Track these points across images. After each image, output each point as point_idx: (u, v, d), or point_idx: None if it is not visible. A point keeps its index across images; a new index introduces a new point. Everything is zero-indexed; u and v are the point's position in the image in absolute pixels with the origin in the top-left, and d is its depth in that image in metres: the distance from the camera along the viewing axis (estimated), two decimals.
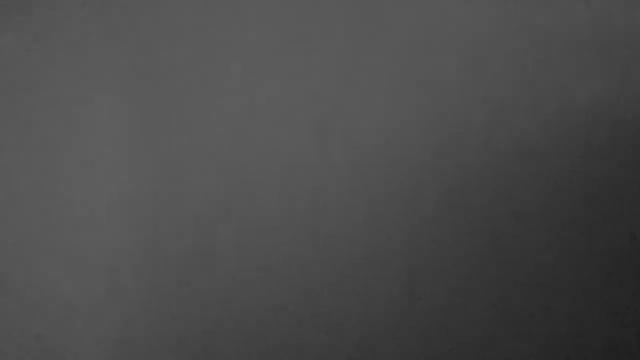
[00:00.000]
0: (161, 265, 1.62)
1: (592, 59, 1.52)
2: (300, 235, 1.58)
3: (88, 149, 1.66)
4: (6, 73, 1.70)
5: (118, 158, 1.65)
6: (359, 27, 1.59)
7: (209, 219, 1.61)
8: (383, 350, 1.55)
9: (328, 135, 1.59)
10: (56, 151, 1.67)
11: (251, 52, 1.62)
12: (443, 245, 1.54)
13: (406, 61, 1.58)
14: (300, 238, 1.58)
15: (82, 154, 1.66)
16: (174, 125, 1.63)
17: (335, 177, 1.58)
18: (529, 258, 1.52)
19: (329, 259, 1.58)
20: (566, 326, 1.50)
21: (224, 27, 1.63)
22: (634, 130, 1.50)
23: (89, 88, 1.67)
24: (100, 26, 1.67)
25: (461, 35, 1.56)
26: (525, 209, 1.52)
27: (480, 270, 1.53)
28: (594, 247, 1.50)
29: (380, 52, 1.58)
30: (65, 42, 1.68)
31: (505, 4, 1.55)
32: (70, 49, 1.68)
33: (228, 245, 1.60)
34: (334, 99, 1.59)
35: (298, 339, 1.58)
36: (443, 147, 1.55)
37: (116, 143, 1.65)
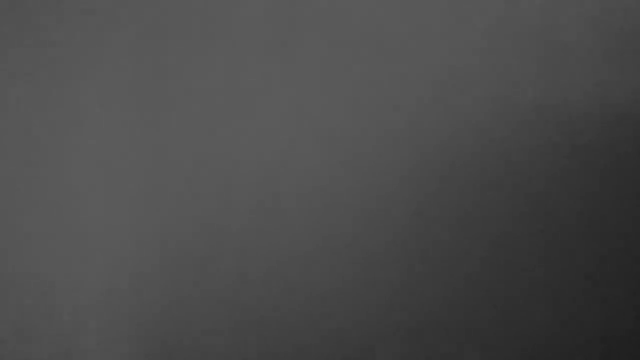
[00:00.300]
0: (162, 266, 1.63)
1: (592, 57, 1.52)
2: (300, 234, 1.59)
3: (90, 150, 1.66)
4: (7, 73, 1.70)
5: (120, 158, 1.65)
6: (357, 26, 1.59)
7: (209, 219, 1.61)
8: (383, 350, 1.55)
9: (328, 136, 1.59)
10: (57, 152, 1.67)
11: (253, 55, 1.62)
12: (443, 245, 1.54)
13: (406, 61, 1.58)
14: (301, 238, 1.59)
15: (83, 155, 1.66)
16: (176, 125, 1.64)
17: (335, 177, 1.58)
18: (529, 257, 1.52)
19: (329, 258, 1.58)
20: (566, 325, 1.50)
21: (227, 29, 1.64)
22: (634, 128, 1.50)
23: (91, 88, 1.67)
24: (104, 27, 1.68)
25: (460, 35, 1.56)
26: (526, 207, 1.52)
27: (480, 270, 1.53)
28: (593, 245, 1.50)
29: (380, 51, 1.58)
30: (68, 40, 1.68)
31: (504, 4, 1.55)
32: (72, 47, 1.68)
33: (228, 245, 1.61)
34: (334, 99, 1.59)
35: (298, 339, 1.58)
36: (443, 147, 1.55)
37: (118, 143, 1.65)
